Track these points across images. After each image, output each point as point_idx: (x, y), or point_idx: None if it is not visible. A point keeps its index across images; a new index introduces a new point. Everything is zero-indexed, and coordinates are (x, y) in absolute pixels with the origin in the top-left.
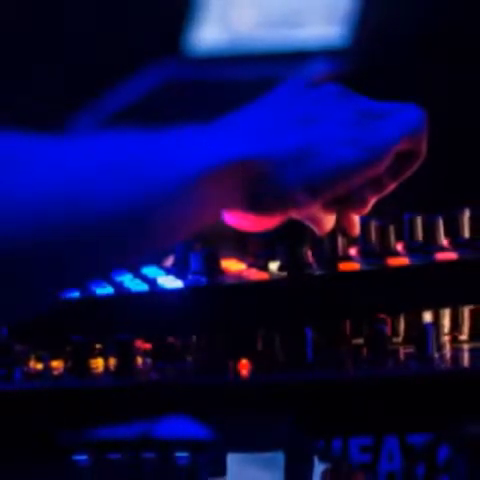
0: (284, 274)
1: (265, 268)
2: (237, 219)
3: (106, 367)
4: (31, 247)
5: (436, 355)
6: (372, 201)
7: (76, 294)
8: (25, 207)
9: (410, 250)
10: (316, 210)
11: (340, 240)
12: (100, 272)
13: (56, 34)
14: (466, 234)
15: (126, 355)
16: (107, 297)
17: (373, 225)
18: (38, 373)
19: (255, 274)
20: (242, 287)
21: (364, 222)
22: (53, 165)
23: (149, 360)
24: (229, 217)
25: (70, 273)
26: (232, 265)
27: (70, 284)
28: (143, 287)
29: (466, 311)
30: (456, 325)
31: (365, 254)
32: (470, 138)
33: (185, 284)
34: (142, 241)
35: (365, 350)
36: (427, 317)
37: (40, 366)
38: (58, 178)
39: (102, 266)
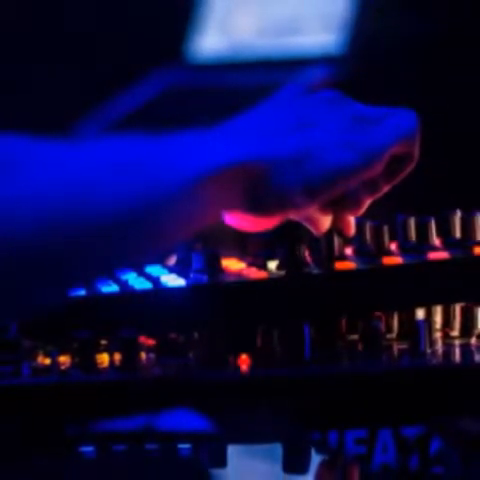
0: (282, 273)
1: (264, 267)
2: (237, 220)
3: (111, 362)
4: (34, 247)
5: (428, 351)
6: (367, 203)
7: (82, 292)
8: (28, 208)
9: (404, 250)
10: (313, 211)
11: (336, 240)
12: (103, 272)
13: (59, 41)
14: (457, 234)
15: (130, 351)
16: (112, 295)
17: (368, 226)
18: (46, 368)
19: (254, 273)
20: (242, 285)
21: (359, 223)
22: (56, 167)
23: (152, 355)
24: (229, 218)
25: (73, 273)
26: (232, 264)
27: (74, 283)
28: (147, 285)
29: (457, 308)
30: (448, 322)
31: (360, 253)
32: (462, 142)
33: (187, 282)
34: (144, 241)
35: (360, 346)
36: (420, 314)
37: (48, 361)
38: (61, 180)
39: (104, 266)
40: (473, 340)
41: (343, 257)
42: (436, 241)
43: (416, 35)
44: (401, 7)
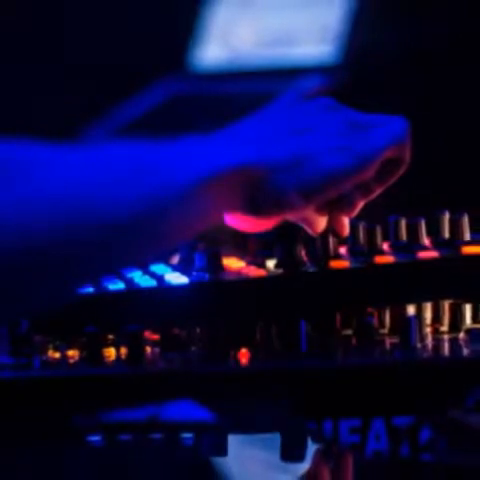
0: (280, 271)
1: (263, 266)
2: (237, 221)
3: (118, 356)
4: (45, 245)
5: (419, 345)
6: (360, 204)
7: (90, 289)
8: (41, 209)
9: (395, 249)
10: (309, 212)
11: (331, 240)
12: (106, 270)
13: (67, 51)
14: (446, 234)
15: (136, 345)
16: (118, 292)
17: (361, 226)
18: (56, 362)
19: (254, 271)
20: (242, 283)
21: (353, 223)
22: (64, 170)
23: (157, 350)
24: (230, 219)
25: (78, 271)
26: (233, 263)
27: (78, 281)
28: (151, 283)
29: (446, 305)
30: (437, 317)
31: (354, 253)
32: (451, 146)
33: (190, 280)
34: (147, 242)
35: (354, 340)
36: (411, 310)
37: (57, 355)
38: (68, 182)
39: (108, 264)
40: (461, 335)
41: (338, 256)
42: (426, 241)
43: (409, 45)
44: (394, 18)
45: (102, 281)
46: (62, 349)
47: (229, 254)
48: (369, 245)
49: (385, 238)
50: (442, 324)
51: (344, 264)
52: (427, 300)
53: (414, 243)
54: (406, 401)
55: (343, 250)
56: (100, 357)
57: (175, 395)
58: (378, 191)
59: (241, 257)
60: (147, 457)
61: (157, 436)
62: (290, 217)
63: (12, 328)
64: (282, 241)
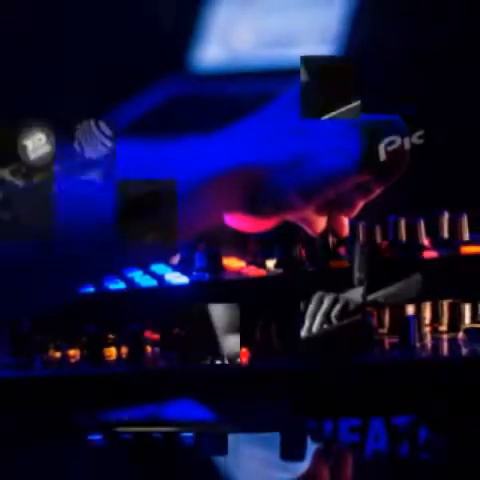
0: (280, 271)
1: (263, 265)
2: (237, 221)
3: (118, 355)
4: (46, 245)
5: (418, 344)
6: (360, 204)
7: (91, 289)
8: (39, 208)
9: (395, 249)
10: (309, 213)
11: (331, 240)
12: (106, 270)
13: (64, 53)
14: (445, 234)
15: (137, 344)
16: (119, 292)
17: (361, 226)
18: (57, 361)
19: (254, 271)
20: (242, 283)
21: (353, 223)
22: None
23: (157, 349)
24: (230, 219)
25: (76, 270)
26: (233, 263)
27: (78, 280)
28: (152, 282)
29: (445, 304)
30: (436, 317)
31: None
32: (452, 147)
33: (190, 280)
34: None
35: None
36: (410, 310)
37: (58, 354)
38: (66, 182)
39: (107, 265)
40: (460, 334)
41: (337, 256)
42: (425, 241)
43: (409, 45)
44: (394, 18)
45: (103, 281)
46: (63, 348)
47: (229, 254)
48: (369, 245)
49: (385, 238)
50: (441, 324)
51: (343, 264)
52: (426, 300)
53: (413, 243)
54: (405, 401)
55: (342, 250)
56: (101, 356)
57: (175, 394)
58: (378, 191)
59: (241, 257)
60: (147, 456)
61: (158, 435)
62: (290, 217)
63: (12, 328)
64: (282, 241)
